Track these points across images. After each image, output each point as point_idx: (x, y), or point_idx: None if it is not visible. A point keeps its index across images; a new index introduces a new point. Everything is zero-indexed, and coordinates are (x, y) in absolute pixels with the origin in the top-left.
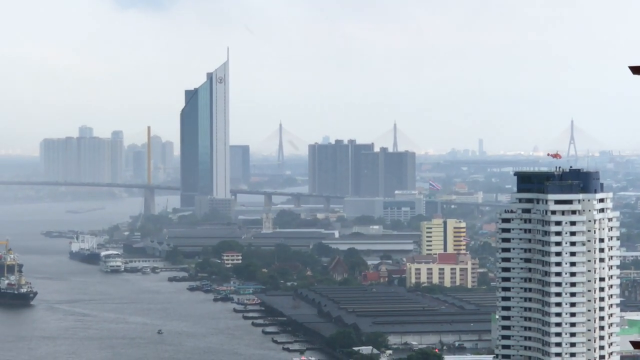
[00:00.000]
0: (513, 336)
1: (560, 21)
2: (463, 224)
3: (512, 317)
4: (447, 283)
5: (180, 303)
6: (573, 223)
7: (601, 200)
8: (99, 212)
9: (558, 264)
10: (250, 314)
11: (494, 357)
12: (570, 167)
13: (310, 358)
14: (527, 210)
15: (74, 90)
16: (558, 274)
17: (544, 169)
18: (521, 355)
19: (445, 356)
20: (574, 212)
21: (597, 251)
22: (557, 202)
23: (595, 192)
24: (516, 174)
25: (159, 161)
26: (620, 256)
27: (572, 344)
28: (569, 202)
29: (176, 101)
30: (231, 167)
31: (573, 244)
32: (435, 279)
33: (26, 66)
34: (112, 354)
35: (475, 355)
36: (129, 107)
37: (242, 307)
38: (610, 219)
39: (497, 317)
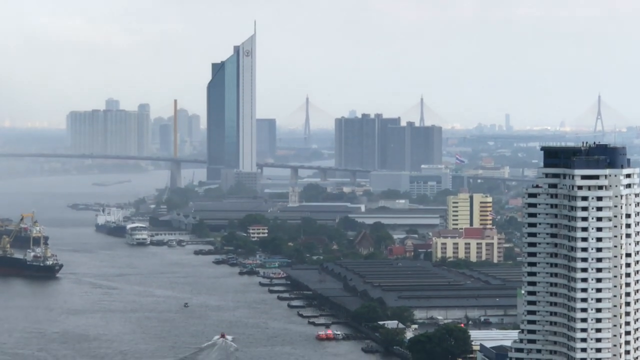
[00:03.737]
0: (539, 311)
1: None
2: (489, 199)
3: (538, 292)
4: (473, 258)
5: (206, 276)
6: (599, 198)
7: (628, 176)
8: (125, 185)
9: (584, 239)
10: (276, 288)
11: (519, 332)
12: (595, 142)
13: (335, 332)
14: (554, 186)
15: (100, 63)
16: (584, 250)
17: (571, 144)
18: (547, 331)
19: (470, 331)
20: (600, 187)
21: (623, 227)
22: (584, 177)
23: (622, 167)
24: (543, 148)
25: (185, 134)
26: None
27: (598, 320)
28: (596, 177)
29: (203, 74)
30: (257, 141)
31: (599, 219)
32: (461, 254)
33: (52, 39)
34: (139, 327)
35: (500, 330)
36: (155, 80)
37: (268, 281)
38: (637, 195)
39: (522, 292)
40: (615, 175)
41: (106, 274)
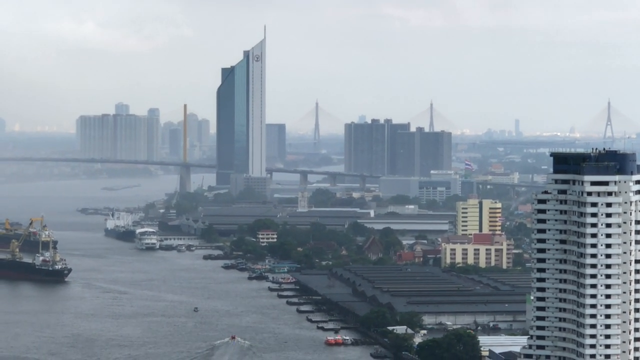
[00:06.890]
0: (548, 317)
1: (597, 2)
2: (499, 205)
3: (547, 298)
4: (482, 263)
5: (215, 281)
6: (609, 204)
7: (637, 182)
8: (134, 189)
9: (593, 245)
10: (285, 293)
11: (528, 338)
12: (604, 148)
13: (344, 337)
14: (563, 192)
15: (110, 68)
16: (593, 256)
17: (581, 150)
18: (556, 337)
19: (479, 337)
20: (610, 193)
21: (632, 233)
22: (593, 183)
23: (632, 173)
24: (552, 154)
25: (195, 139)
26: None
27: (607, 326)
28: (605, 183)
29: (213, 79)
30: (267, 146)
31: (609, 225)
32: (470, 260)
33: (63, 44)
34: (149, 331)
35: (509, 336)
36: (165, 85)
37: (277, 286)
38: None
39: (532, 298)
40: (625, 182)
41: (115, 279)
